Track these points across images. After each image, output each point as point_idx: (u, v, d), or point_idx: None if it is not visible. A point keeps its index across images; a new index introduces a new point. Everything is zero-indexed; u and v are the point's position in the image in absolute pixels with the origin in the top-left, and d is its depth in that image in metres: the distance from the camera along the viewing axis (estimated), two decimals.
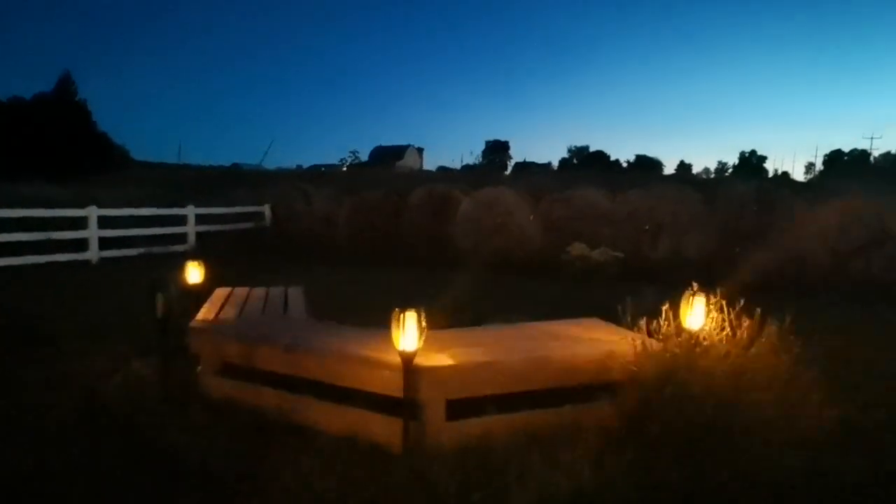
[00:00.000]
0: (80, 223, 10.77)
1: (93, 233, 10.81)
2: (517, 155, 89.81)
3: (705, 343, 3.19)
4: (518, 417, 3.11)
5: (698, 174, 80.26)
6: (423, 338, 2.88)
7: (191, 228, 12.60)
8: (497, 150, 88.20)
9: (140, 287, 7.46)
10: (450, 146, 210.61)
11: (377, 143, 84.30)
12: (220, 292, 4.95)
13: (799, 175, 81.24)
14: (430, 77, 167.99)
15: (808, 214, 10.19)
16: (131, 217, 11.80)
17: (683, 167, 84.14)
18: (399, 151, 75.69)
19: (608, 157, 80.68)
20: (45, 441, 3.32)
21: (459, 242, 11.74)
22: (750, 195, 11.02)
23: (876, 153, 78.53)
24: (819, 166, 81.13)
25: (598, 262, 9.83)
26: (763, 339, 3.21)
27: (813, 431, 3.07)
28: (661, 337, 3.33)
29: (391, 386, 3.00)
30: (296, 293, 4.93)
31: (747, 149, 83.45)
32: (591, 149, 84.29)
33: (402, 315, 2.87)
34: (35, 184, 15.23)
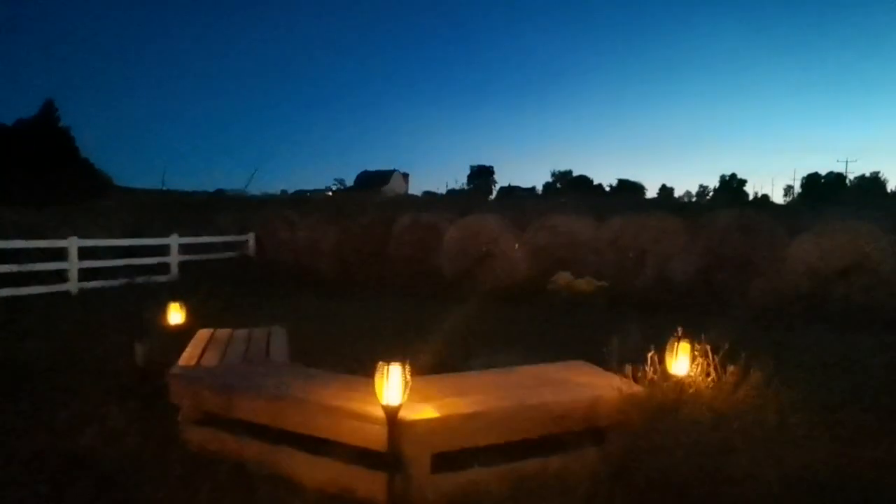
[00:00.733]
0: (61, 254, 10.61)
1: (73, 264, 10.64)
2: (502, 179, 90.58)
3: (691, 391, 3.19)
4: (505, 468, 3.07)
5: (680, 197, 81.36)
6: (407, 391, 2.85)
7: (173, 258, 12.45)
8: (482, 174, 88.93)
9: (120, 322, 7.43)
10: (435, 171, 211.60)
11: (362, 168, 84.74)
12: (203, 334, 4.87)
13: (778, 198, 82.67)
14: (415, 102, 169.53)
15: (789, 240, 10.34)
16: (113, 247, 11.65)
17: (665, 190, 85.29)
18: (385, 176, 76.05)
19: (591, 181, 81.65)
20: (15, 499, 3.21)
21: (445, 271, 11.74)
22: (732, 222, 11.16)
23: (851, 176, 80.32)
24: (797, 189, 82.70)
25: (584, 292, 9.86)
26: (747, 386, 3.22)
27: (800, 477, 3.07)
28: (647, 383, 3.33)
29: (375, 439, 2.95)
30: (279, 335, 4.87)
31: (727, 172, 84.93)
32: (575, 173, 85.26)
33: (386, 368, 2.83)
34: (16, 210, 15.02)
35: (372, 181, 72.31)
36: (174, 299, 5.43)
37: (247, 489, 3.19)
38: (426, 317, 8.49)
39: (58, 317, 8.33)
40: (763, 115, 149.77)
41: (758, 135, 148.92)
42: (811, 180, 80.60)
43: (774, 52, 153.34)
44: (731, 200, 56.91)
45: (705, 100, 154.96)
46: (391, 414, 2.84)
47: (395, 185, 73.58)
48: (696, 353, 3.32)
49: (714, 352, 3.36)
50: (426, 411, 3.02)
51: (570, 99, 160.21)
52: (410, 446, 2.90)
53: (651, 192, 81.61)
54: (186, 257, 12.66)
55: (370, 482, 2.97)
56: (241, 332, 4.97)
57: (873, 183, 78.25)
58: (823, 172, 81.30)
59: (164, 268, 12.27)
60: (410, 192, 75.19)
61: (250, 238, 14.02)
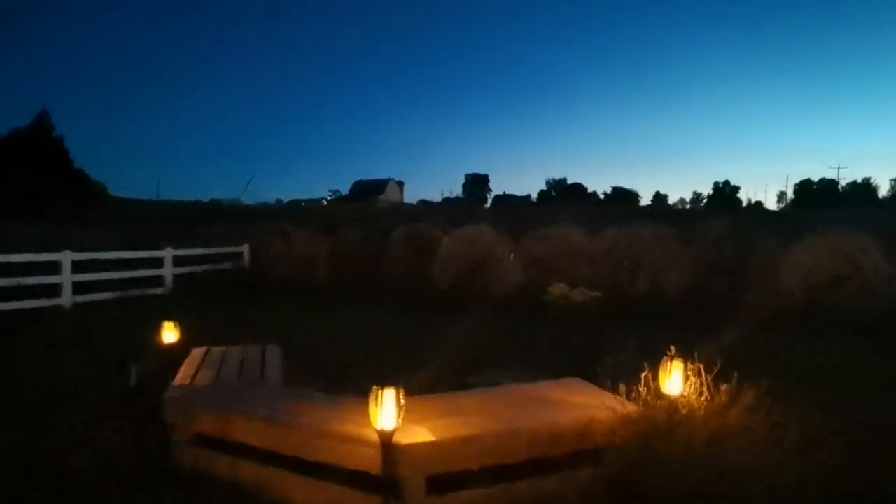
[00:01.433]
0: (54, 267, 10.56)
1: (66, 278, 10.59)
2: (497, 187, 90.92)
3: (684, 411, 3.20)
4: (501, 490, 3.07)
5: (674, 204, 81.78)
6: (401, 415, 2.85)
7: (168, 271, 12.42)
8: (477, 183, 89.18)
9: (114, 337, 7.39)
10: (430, 179, 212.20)
11: (357, 177, 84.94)
12: (197, 353, 4.86)
13: (771, 204, 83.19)
14: (411, 110, 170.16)
15: (783, 249, 10.39)
16: (107, 260, 11.61)
17: (659, 198, 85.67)
18: (380, 185, 76.19)
19: (585, 188, 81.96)
20: None
21: (440, 282, 11.74)
22: (725, 231, 11.22)
23: (843, 182, 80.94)
24: (790, 195, 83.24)
25: (579, 303, 9.87)
26: (740, 405, 3.23)
27: (793, 495, 3.08)
28: (640, 402, 3.33)
29: (370, 463, 2.95)
30: (273, 353, 4.86)
31: (721, 178, 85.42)
32: (569, 181, 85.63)
33: (379, 392, 2.83)
34: (10, 221, 14.98)
35: (367, 190, 72.45)
36: (168, 316, 5.42)
37: None
38: (422, 330, 8.50)
39: (51, 333, 8.27)
40: (756, 122, 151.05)
41: (751, 142, 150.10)
42: (804, 186, 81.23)
43: (767, 60, 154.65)
44: (725, 207, 57.25)
45: (699, 107, 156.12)
46: (385, 439, 2.84)
47: (390, 194, 73.72)
48: (690, 372, 3.32)
49: (707, 370, 3.37)
50: (421, 434, 3.02)
51: (564, 107, 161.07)
52: (405, 470, 2.90)
53: (645, 200, 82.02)
54: (181, 270, 12.63)
55: None
56: (236, 351, 4.96)
57: (865, 189, 78.88)
58: (816, 179, 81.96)
59: (158, 280, 12.24)
60: (406, 200, 75.38)
61: (245, 250, 14.01)
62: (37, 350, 7.23)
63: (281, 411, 3.44)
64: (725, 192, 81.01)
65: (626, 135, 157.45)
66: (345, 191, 79.47)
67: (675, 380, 3.29)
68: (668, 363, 3.33)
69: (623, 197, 76.59)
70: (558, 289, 10.18)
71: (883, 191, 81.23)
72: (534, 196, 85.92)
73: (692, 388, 3.33)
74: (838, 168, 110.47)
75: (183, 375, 4.19)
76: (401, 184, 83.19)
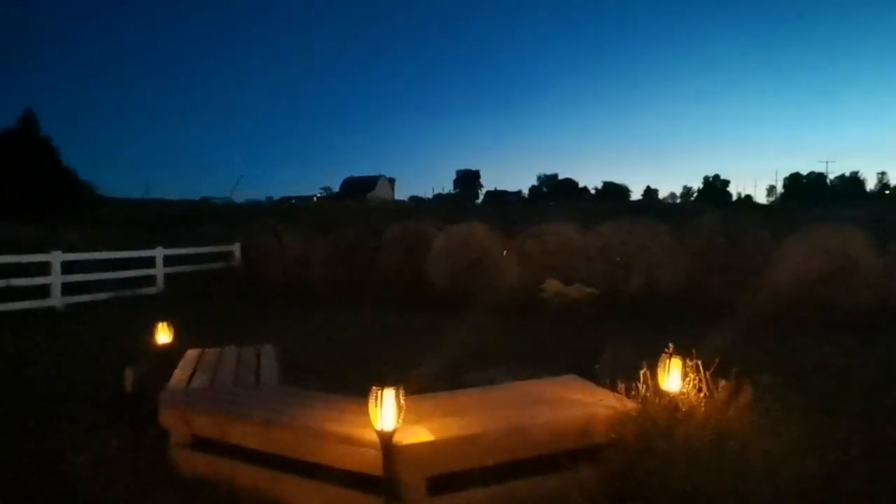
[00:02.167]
0: (44, 269, 10.44)
1: (56, 279, 10.48)
2: (488, 183, 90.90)
3: (683, 409, 3.20)
4: (501, 489, 3.06)
5: (665, 199, 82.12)
6: (401, 416, 2.83)
7: (159, 271, 12.32)
8: (468, 179, 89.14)
9: (106, 339, 7.32)
10: (421, 175, 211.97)
11: (348, 173, 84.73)
12: (192, 354, 4.81)
13: (761, 198, 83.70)
14: (400, 107, 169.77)
15: (775, 245, 10.45)
16: (97, 260, 11.50)
17: (650, 193, 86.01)
18: (371, 182, 75.91)
19: (577, 184, 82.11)
20: None
21: (435, 280, 11.72)
22: (718, 227, 11.26)
23: (832, 176, 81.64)
24: (780, 189, 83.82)
25: (574, 299, 9.89)
26: (739, 402, 3.24)
27: (793, 491, 3.09)
28: (639, 400, 3.34)
29: (370, 464, 2.93)
30: (269, 354, 4.82)
31: (711, 173, 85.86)
32: (560, 176, 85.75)
33: (379, 393, 2.82)
34: None
35: (358, 187, 72.19)
36: (162, 316, 5.37)
37: None
38: (417, 328, 8.48)
39: (43, 335, 8.19)
40: (745, 116, 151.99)
41: (740, 136, 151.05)
42: (793, 180, 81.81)
43: (755, 55, 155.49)
44: (716, 201, 57.55)
45: (688, 101, 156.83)
46: (385, 439, 2.82)
47: (381, 191, 73.50)
48: (688, 369, 3.33)
49: (705, 367, 3.38)
50: (421, 434, 3.00)
51: (555, 102, 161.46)
52: (406, 471, 2.89)
53: (636, 194, 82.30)
54: (172, 269, 12.53)
55: None
56: (231, 352, 4.92)
57: (853, 182, 79.61)
58: (805, 172, 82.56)
59: (149, 280, 12.14)
60: (397, 197, 75.20)
61: (236, 249, 13.92)
62: (29, 353, 7.15)
63: (278, 413, 3.41)
64: (716, 187, 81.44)
65: (616, 130, 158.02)
66: (335, 188, 79.24)
67: (673, 377, 3.30)
68: (667, 360, 3.33)
69: (614, 192, 76.78)
70: (553, 286, 10.19)
71: (870, 184, 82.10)
72: (525, 192, 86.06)
73: (691, 386, 3.33)
74: (826, 162, 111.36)
75: (179, 378, 4.15)
76: (392, 181, 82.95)
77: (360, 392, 3.61)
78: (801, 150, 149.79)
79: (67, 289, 10.64)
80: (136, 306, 10.25)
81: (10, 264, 10.03)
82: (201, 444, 3.57)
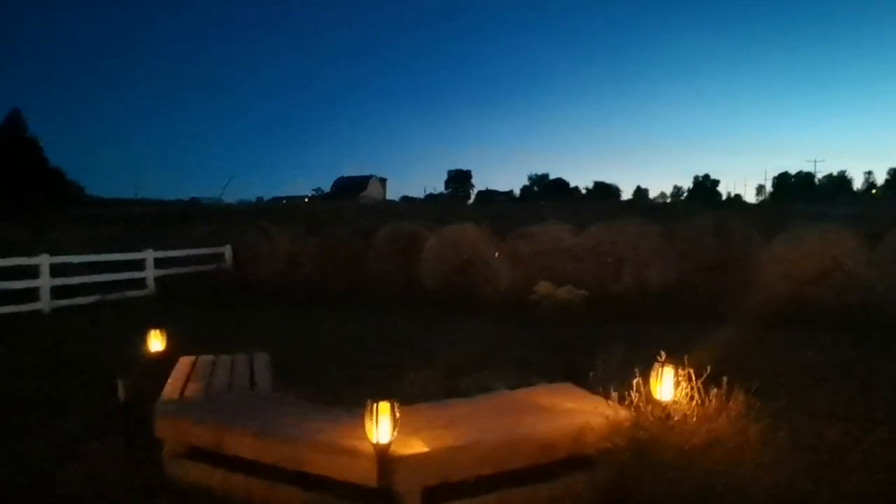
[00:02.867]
0: (32, 272, 10.33)
1: (44, 282, 10.38)
2: (479, 183, 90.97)
3: (675, 418, 3.23)
4: (496, 499, 3.08)
5: (655, 198, 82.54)
6: (396, 428, 2.84)
7: (149, 273, 12.23)
8: (460, 179, 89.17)
9: (96, 344, 7.25)
10: (413, 175, 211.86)
11: (339, 174, 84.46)
12: (185, 362, 4.79)
13: (751, 197, 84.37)
14: (392, 107, 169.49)
15: (764, 244, 10.53)
16: (86, 263, 11.40)
17: (640, 192, 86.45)
18: (362, 182, 75.73)
19: (567, 184, 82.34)
20: None
21: (427, 281, 11.72)
22: (707, 227, 11.33)
23: (820, 175, 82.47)
24: (769, 188, 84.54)
25: (565, 301, 9.92)
26: (730, 409, 3.27)
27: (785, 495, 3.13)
28: (633, 408, 3.36)
29: (365, 475, 2.94)
30: (262, 362, 4.81)
31: (700, 172, 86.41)
32: (551, 176, 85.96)
33: (374, 406, 2.83)
34: None
35: (349, 187, 72.01)
36: (152, 320, 5.34)
37: None
38: (409, 331, 8.47)
39: (31, 341, 8.09)
40: (734, 116, 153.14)
41: (729, 135, 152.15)
42: (782, 180, 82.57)
43: (744, 55, 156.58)
44: (706, 201, 57.92)
45: (678, 101, 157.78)
46: (381, 452, 2.83)
47: (372, 191, 73.37)
48: (680, 377, 3.36)
49: (697, 374, 3.41)
50: (415, 445, 3.01)
51: (546, 102, 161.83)
52: (401, 482, 2.90)
53: (626, 194, 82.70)
54: (162, 272, 12.45)
55: None
56: (224, 359, 4.90)
57: (840, 182, 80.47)
58: (793, 172, 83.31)
59: (139, 283, 12.05)
60: (388, 197, 75.07)
61: (227, 250, 13.85)
62: (17, 360, 7.04)
63: (273, 423, 3.41)
64: (706, 186, 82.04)
65: (606, 130, 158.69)
66: (326, 188, 79.00)
67: (666, 385, 3.33)
68: (659, 368, 3.36)
69: (605, 191, 77.13)
70: (545, 287, 10.22)
71: (857, 183, 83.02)
72: (517, 191, 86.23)
73: (683, 394, 3.37)
74: (815, 161, 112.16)
75: (172, 387, 4.13)
76: (383, 181, 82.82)
77: (353, 398, 3.61)
78: (789, 150, 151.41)
79: (55, 292, 10.54)
80: (127, 310, 10.18)
81: None
82: (196, 455, 3.56)
